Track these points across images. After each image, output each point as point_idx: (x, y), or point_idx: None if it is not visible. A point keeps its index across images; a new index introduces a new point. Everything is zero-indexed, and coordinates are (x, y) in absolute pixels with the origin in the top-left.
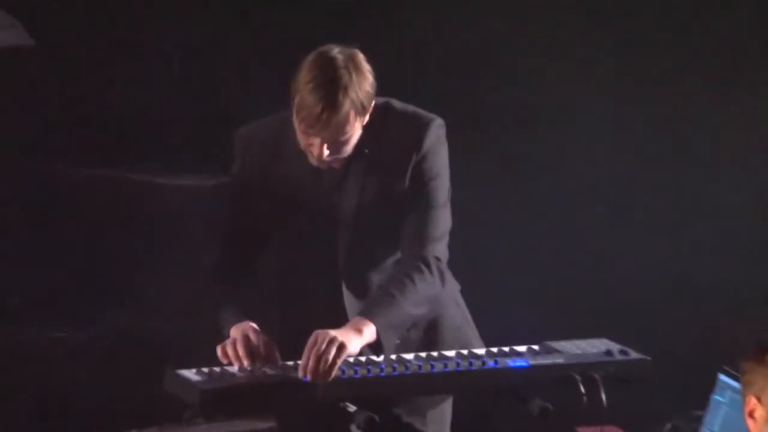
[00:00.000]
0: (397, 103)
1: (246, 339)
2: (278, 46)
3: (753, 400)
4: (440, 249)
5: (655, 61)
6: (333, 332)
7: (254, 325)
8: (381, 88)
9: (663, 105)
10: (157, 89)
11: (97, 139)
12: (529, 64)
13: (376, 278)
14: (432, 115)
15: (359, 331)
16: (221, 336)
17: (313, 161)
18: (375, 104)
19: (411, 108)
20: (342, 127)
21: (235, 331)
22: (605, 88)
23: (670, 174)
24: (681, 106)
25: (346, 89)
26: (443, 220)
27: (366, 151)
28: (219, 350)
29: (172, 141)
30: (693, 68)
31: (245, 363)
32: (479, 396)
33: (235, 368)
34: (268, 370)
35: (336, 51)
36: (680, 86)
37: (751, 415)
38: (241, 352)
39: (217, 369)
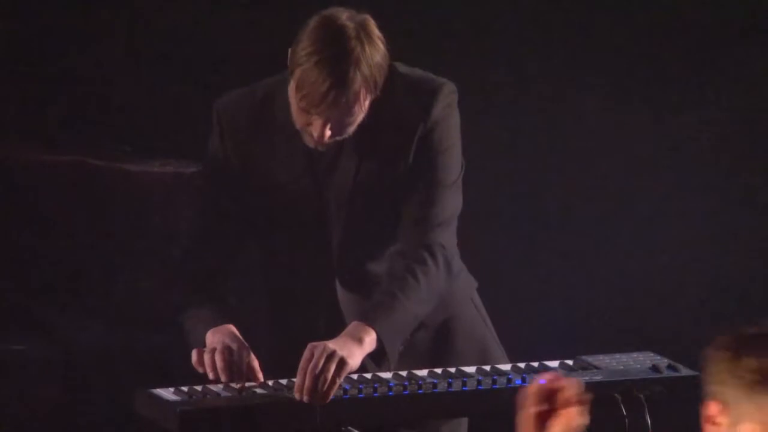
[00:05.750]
0: (402, 67)
1: (226, 349)
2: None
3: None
4: (446, 235)
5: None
6: (331, 345)
7: (235, 331)
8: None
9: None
10: (126, 54)
11: (52, 116)
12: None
13: (374, 269)
14: (442, 79)
15: (360, 340)
16: (190, 344)
17: (310, 142)
18: None
19: (418, 71)
20: (351, 107)
21: (212, 337)
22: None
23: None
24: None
25: (358, 64)
26: (452, 200)
27: (364, 118)
28: (194, 356)
29: (143, 118)
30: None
31: (222, 377)
32: (504, 419)
33: (219, 386)
34: (259, 390)
35: (345, 17)
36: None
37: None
38: (219, 364)
39: (198, 387)
